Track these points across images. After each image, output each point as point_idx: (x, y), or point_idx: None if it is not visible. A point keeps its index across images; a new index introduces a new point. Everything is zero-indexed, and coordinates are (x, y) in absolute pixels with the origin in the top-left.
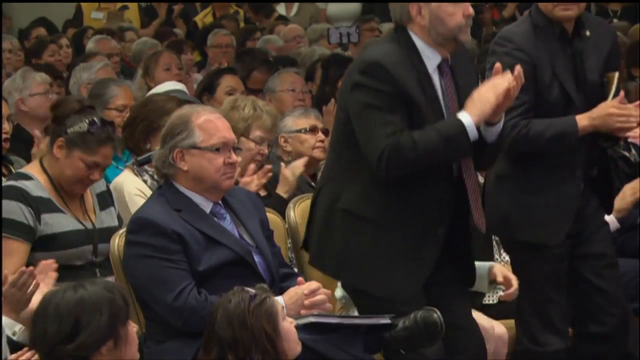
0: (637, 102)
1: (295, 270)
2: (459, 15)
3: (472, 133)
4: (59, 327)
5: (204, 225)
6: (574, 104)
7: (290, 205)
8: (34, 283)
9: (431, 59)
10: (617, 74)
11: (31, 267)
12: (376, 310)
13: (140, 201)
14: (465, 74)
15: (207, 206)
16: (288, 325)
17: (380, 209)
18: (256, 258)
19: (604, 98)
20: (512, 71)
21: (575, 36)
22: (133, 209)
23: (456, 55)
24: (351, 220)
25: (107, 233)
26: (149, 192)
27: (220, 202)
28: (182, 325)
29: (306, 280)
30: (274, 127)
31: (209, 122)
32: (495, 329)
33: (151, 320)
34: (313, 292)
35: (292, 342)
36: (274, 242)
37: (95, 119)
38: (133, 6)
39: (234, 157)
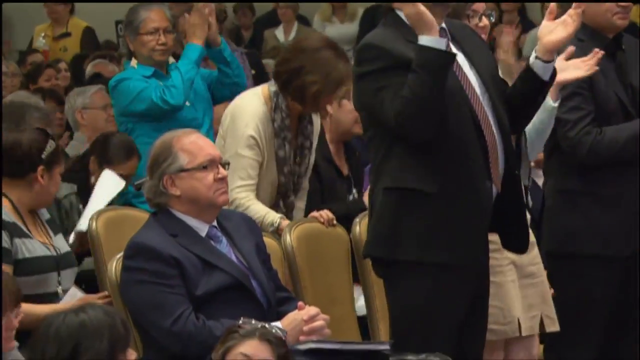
0: None
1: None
2: None
3: (434, 42)
4: (59, 351)
5: (200, 250)
6: (630, 113)
7: (286, 229)
8: None
9: None
10: None
11: None
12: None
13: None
14: (470, 41)
15: (202, 229)
16: None
17: (418, 176)
18: (252, 282)
19: None
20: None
21: (617, 48)
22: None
23: (457, 27)
24: (393, 196)
25: (67, 259)
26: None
27: (216, 224)
28: (180, 351)
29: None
30: None
31: (191, 144)
32: None
33: (149, 345)
34: (312, 318)
35: None
36: (271, 265)
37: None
38: (76, 32)
39: (223, 172)
